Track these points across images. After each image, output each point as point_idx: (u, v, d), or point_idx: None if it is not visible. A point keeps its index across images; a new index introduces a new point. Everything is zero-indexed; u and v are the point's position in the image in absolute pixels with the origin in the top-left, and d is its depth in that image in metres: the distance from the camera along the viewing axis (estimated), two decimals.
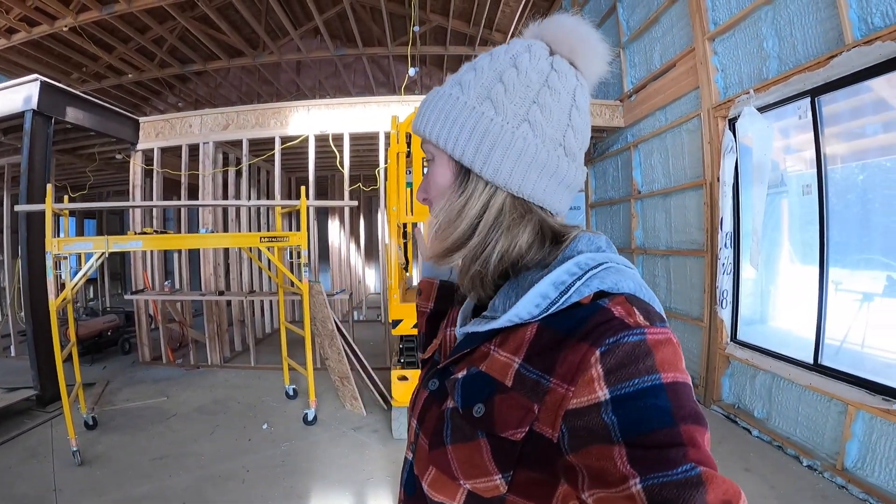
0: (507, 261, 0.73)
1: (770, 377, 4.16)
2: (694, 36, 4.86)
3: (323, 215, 10.39)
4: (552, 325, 0.65)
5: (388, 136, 6.51)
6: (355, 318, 9.26)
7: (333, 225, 10.61)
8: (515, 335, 0.69)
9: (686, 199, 5.29)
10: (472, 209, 0.72)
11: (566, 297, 0.64)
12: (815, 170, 3.80)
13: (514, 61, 0.72)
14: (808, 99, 3.72)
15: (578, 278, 0.65)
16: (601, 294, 0.65)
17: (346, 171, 6.62)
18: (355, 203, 5.52)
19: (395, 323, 4.13)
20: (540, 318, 0.66)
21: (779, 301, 4.82)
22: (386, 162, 6.38)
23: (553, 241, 0.74)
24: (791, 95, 3.85)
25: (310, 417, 4.72)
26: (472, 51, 10.70)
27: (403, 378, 4.17)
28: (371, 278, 12.64)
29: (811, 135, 3.80)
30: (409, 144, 4.04)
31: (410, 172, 4.11)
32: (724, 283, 4.59)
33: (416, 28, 8.40)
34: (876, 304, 3.92)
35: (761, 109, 4.14)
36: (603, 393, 0.57)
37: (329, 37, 10.19)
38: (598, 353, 0.58)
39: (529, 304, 0.66)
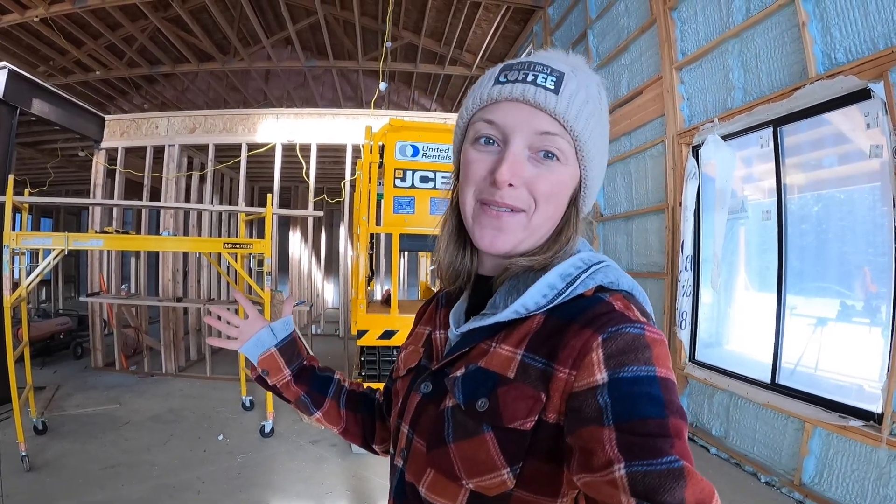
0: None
1: (728, 396, 4.17)
2: (662, 65, 4.92)
3: (284, 226, 10.14)
4: (556, 314, 0.66)
5: (355, 148, 6.41)
6: (313, 331, 9.05)
7: (294, 236, 10.37)
8: (519, 329, 0.68)
9: (648, 222, 5.33)
10: (574, 225, 0.73)
11: (572, 287, 0.66)
12: (773, 198, 3.87)
13: (600, 91, 0.73)
14: (771, 129, 3.79)
15: (583, 272, 0.67)
16: (601, 289, 0.68)
17: (311, 182, 6.48)
18: (321, 213, 5.39)
19: (361, 333, 4.00)
20: (546, 308, 0.66)
21: (735, 325, 4.86)
22: (352, 175, 6.27)
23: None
24: (754, 125, 3.91)
25: (267, 429, 4.54)
26: (441, 69, 10.74)
27: None
28: (329, 292, 12.41)
29: (772, 164, 3.86)
30: (381, 155, 3.95)
31: (382, 184, 4.02)
32: (684, 304, 4.61)
33: (389, 44, 8.34)
34: (830, 328, 3.99)
35: (725, 138, 4.20)
36: (602, 376, 0.57)
37: (300, 47, 10.10)
38: (600, 338, 0.59)
39: (537, 295, 0.66)
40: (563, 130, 0.67)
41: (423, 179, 3.95)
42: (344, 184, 6.67)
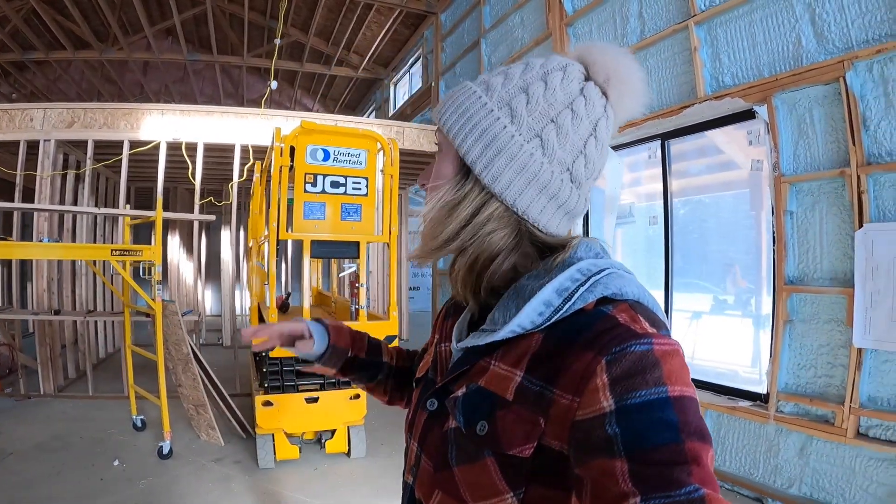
0: (495, 271, 0.67)
1: None
2: None
3: (162, 230, 9.17)
4: (555, 333, 0.60)
5: (244, 149, 5.88)
6: (193, 340, 8.28)
7: (173, 241, 9.35)
8: (517, 347, 0.62)
9: None
10: (464, 210, 0.66)
11: (570, 303, 0.59)
12: (655, 202, 4.03)
13: (546, 76, 0.65)
14: (660, 141, 3.92)
15: (581, 284, 0.60)
16: (604, 300, 0.60)
17: (197, 184, 5.86)
18: (213, 217, 4.90)
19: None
20: (543, 327, 0.60)
21: None
22: (240, 177, 5.77)
23: (548, 252, 0.67)
24: (644, 137, 4.03)
25: (165, 451, 4.00)
26: (327, 69, 10.32)
27: (268, 404, 3.67)
28: (209, 299, 11.46)
29: (657, 170, 3.99)
30: (292, 158, 3.62)
31: (292, 188, 3.68)
32: None
33: (278, 40, 7.75)
34: (704, 321, 4.25)
35: (615, 148, 4.29)
36: (608, 403, 0.51)
37: (183, 40, 9.21)
38: (603, 361, 0.53)
39: (532, 313, 0.60)
40: (438, 128, 0.69)
41: (335, 185, 3.65)
42: (231, 185, 6.09)
